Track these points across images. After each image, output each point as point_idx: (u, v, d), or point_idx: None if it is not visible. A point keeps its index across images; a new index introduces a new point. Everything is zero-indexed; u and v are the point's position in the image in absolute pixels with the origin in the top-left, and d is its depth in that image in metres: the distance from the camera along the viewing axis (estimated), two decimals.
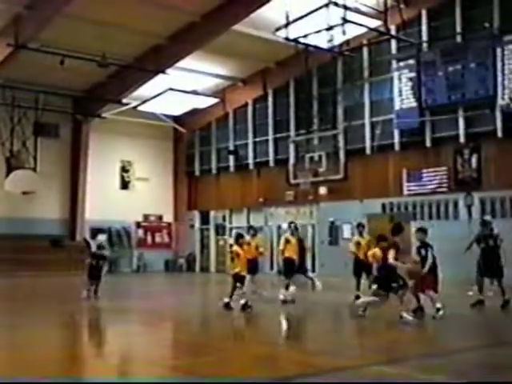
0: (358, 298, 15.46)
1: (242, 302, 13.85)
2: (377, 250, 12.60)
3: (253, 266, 17.55)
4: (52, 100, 28.65)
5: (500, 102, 22.10)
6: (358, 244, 16.01)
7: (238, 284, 14.10)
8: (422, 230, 13.67)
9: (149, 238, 33.25)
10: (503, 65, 22.04)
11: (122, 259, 31.54)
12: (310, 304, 15.45)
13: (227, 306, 14.01)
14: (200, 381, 7.65)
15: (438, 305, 12.68)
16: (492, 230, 16.06)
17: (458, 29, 23.52)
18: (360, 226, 16.79)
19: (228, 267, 31.14)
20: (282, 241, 16.58)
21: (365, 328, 12.31)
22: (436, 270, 13.06)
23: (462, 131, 23.33)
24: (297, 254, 16.45)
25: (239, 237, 15.01)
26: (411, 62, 24.49)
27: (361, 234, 16.34)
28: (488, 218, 18.04)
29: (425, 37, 24.46)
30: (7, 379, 7.40)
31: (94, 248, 27.41)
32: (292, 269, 16.20)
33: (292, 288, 15.92)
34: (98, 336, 11.68)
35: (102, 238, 30.69)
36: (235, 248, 14.32)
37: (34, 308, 15.24)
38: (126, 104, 29.46)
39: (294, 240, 16.58)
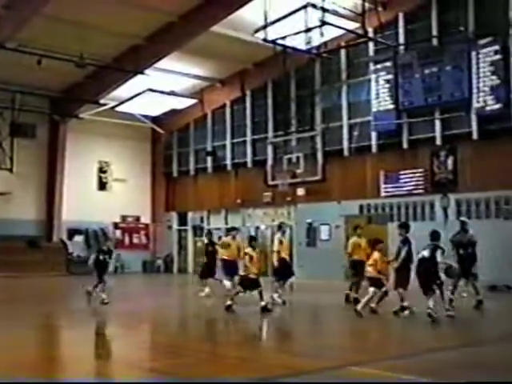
0: (356, 300, 15.37)
1: (262, 303, 13.74)
2: None
3: (233, 268, 17.63)
4: (29, 100, 28.47)
5: (475, 104, 22.35)
6: (359, 246, 15.69)
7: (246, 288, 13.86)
8: (401, 226, 13.96)
9: (126, 239, 33.13)
10: (478, 68, 22.30)
11: None
12: (291, 306, 15.49)
13: (265, 309, 13.73)
14: (179, 381, 7.68)
15: (405, 303, 12.91)
16: (467, 230, 16.35)
17: (434, 32, 23.73)
18: (358, 227, 16.47)
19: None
20: (276, 242, 16.51)
21: (344, 329, 12.41)
22: (409, 266, 13.29)
23: (438, 133, 23.54)
24: (288, 256, 16.49)
25: (252, 239, 14.73)
26: (388, 64, 24.67)
27: (359, 236, 16.02)
28: (464, 218, 18.34)
29: (402, 39, 24.66)
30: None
31: (71, 249, 27.21)
32: (285, 270, 16.20)
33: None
34: (76, 338, 11.62)
35: (79, 238, 30.63)
36: (249, 250, 13.99)
37: (11, 309, 15.12)
38: (104, 104, 29.37)
39: (285, 241, 16.59)
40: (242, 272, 14.15)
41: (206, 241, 19.78)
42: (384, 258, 13.71)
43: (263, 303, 13.69)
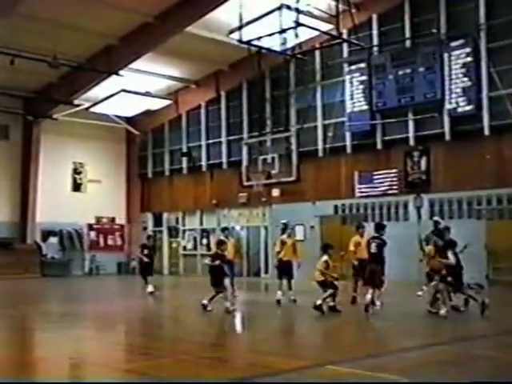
0: (355, 299, 15.47)
1: (331, 304, 13.85)
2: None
3: (232, 268, 17.67)
4: (1, 101, 28.15)
5: (447, 105, 22.63)
6: (359, 244, 15.59)
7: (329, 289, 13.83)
8: (376, 226, 14.51)
9: (101, 241, 32.94)
10: (450, 70, 22.58)
11: (73, 262, 31.16)
12: (264, 305, 15.54)
13: (334, 308, 13.79)
14: (156, 381, 7.70)
15: (378, 302, 13.55)
16: (440, 230, 16.70)
17: (407, 34, 23.99)
18: (360, 226, 16.31)
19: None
20: (278, 243, 16.55)
21: (317, 328, 12.49)
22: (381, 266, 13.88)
23: (411, 134, 23.79)
24: (293, 256, 16.46)
25: (328, 247, 14.35)
26: (362, 65, 24.88)
27: (362, 235, 15.82)
28: (438, 218, 18.66)
29: (375, 41, 24.88)
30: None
31: (45, 251, 26.55)
32: (290, 270, 16.28)
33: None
34: (50, 340, 11.56)
35: (53, 240, 30.03)
36: (326, 258, 13.80)
37: None
38: (78, 105, 29.16)
39: (289, 242, 16.57)
40: (320, 278, 13.84)
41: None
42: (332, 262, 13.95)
43: (332, 303, 13.75)
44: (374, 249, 13.97)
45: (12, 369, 8.49)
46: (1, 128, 29.86)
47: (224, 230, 19.41)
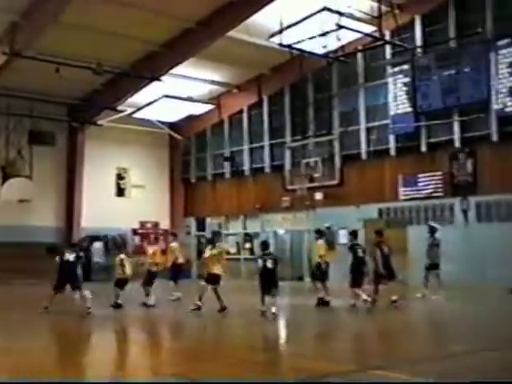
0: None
1: None
2: None
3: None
4: (47, 108, 28.61)
5: (494, 106, 22.16)
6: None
7: None
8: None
9: (145, 245, 33.11)
10: (496, 69, 22.12)
11: None
12: (307, 310, 15.41)
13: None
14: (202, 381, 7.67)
15: (365, 297, 15.04)
16: (434, 236, 17.65)
17: (452, 34, 23.59)
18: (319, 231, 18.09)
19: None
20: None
21: (356, 332, 12.33)
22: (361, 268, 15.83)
23: (457, 136, 23.37)
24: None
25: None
26: (406, 67, 24.56)
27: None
28: (433, 223, 19.32)
29: (419, 42, 24.53)
30: (7, 379, 7.39)
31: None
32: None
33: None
34: (95, 344, 11.64)
35: (98, 245, 30.29)
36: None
37: (32, 315, 15.17)
38: (122, 111, 29.44)
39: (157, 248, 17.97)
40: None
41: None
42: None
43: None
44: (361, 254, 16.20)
45: (58, 371, 8.55)
46: (47, 135, 30.20)
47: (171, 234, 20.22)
